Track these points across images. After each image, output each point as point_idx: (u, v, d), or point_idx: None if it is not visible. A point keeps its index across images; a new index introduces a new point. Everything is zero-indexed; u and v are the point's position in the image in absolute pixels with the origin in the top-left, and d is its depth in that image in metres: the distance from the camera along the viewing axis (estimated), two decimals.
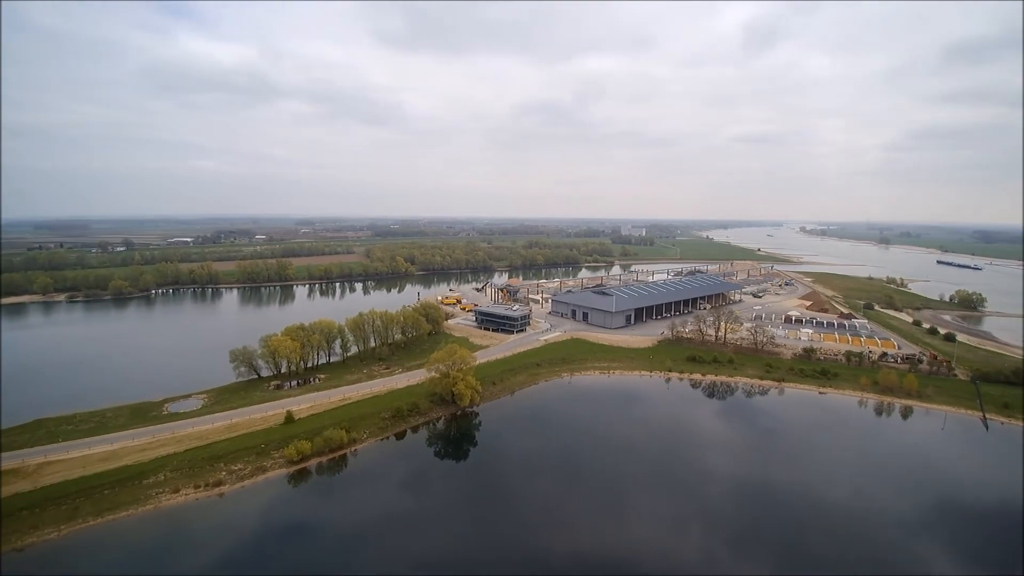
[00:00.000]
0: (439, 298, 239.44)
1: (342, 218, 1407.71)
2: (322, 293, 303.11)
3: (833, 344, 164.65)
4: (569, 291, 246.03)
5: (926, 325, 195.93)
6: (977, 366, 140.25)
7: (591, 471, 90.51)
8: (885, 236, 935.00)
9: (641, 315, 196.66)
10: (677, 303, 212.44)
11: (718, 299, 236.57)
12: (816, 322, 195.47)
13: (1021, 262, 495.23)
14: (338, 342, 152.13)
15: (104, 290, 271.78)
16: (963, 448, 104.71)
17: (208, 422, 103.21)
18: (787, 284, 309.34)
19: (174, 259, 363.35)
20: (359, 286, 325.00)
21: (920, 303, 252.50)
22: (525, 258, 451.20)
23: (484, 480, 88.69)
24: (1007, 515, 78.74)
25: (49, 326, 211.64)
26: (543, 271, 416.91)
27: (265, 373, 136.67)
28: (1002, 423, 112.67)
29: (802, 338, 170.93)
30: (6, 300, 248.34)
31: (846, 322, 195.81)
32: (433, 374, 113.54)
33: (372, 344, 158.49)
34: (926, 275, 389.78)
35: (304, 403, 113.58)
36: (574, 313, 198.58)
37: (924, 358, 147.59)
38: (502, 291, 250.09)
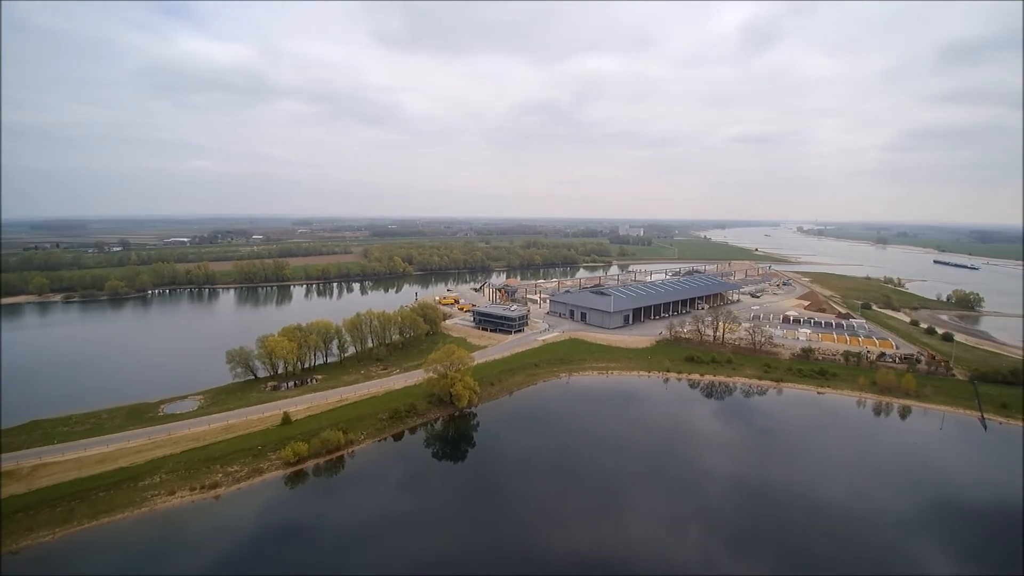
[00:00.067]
0: (437, 298, 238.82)
1: (340, 218, 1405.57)
2: (319, 293, 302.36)
3: (831, 344, 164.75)
4: (567, 291, 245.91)
5: (924, 325, 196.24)
6: (975, 366, 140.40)
7: (589, 471, 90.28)
8: (882, 236, 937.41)
9: (639, 315, 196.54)
10: (675, 303, 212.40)
11: (716, 299, 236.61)
12: (814, 322, 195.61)
13: (1017, 262, 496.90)
14: (335, 343, 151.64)
15: (100, 290, 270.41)
16: (961, 448, 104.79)
17: (204, 423, 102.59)
18: (785, 284, 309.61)
19: (170, 259, 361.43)
20: (356, 286, 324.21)
21: (917, 303, 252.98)
22: (523, 258, 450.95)
23: (482, 481, 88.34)
24: (1006, 515, 78.74)
25: (44, 327, 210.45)
26: (541, 271, 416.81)
27: (262, 374, 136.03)
28: (1000, 423, 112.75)
29: (800, 338, 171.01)
30: (3, 300, 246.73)
31: (844, 322, 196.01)
32: (431, 375, 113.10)
33: (370, 345, 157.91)
34: (923, 275, 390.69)
35: (301, 404, 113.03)
36: (572, 313, 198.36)
37: (922, 358, 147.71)
38: (500, 291, 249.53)
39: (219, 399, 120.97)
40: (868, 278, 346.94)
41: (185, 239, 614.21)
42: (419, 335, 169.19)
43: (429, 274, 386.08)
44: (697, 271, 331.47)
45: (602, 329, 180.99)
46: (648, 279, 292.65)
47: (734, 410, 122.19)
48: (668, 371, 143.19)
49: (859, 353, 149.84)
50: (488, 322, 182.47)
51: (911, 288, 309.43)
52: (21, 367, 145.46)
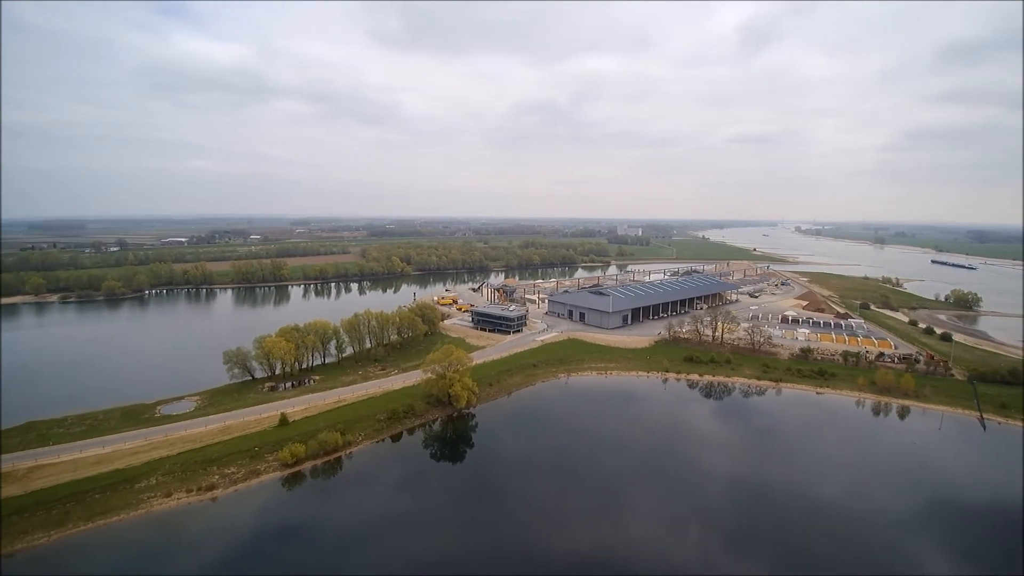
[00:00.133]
0: (435, 298, 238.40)
1: (339, 218, 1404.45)
2: (317, 293, 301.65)
3: (830, 344, 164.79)
4: (566, 291, 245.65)
5: (922, 325, 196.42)
6: (974, 366, 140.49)
7: (588, 471, 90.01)
8: (880, 236, 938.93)
9: (638, 315, 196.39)
10: (674, 303, 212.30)
11: (715, 299, 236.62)
12: (813, 322, 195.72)
13: (1016, 261, 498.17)
14: (333, 343, 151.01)
15: (97, 291, 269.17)
16: (960, 448, 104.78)
17: (201, 424, 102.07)
18: (783, 284, 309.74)
19: (168, 259, 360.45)
20: (355, 286, 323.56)
21: (916, 303, 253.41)
22: (521, 258, 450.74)
23: (481, 481, 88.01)
24: (1005, 515, 78.65)
25: (41, 327, 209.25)
26: (539, 271, 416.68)
27: (259, 375, 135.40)
28: (999, 423, 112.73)
29: (799, 338, 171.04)
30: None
31: (843, 322, 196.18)
32: (429, 375, 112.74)
33: (368, 345, 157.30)
34: (921, 275, 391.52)
35: (299, 405, 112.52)
36: (571, 313, 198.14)
37: (921, 358, 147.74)
38: (498, 291, 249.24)
39: (216, 400, 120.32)
40: (866, 278, 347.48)
41: (183, 239, 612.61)
42: (417, 335, 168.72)
43: (427, 274, 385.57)
44: (695, 271, 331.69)
45: (601, 329, 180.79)
46: (647, 279, 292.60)
47: (733, 410, 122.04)
48: (667, 371, 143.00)
49: (858, 353, 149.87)
50: (486, 322, 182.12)
51: (909, 288, 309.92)
52: (17, 368, 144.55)
